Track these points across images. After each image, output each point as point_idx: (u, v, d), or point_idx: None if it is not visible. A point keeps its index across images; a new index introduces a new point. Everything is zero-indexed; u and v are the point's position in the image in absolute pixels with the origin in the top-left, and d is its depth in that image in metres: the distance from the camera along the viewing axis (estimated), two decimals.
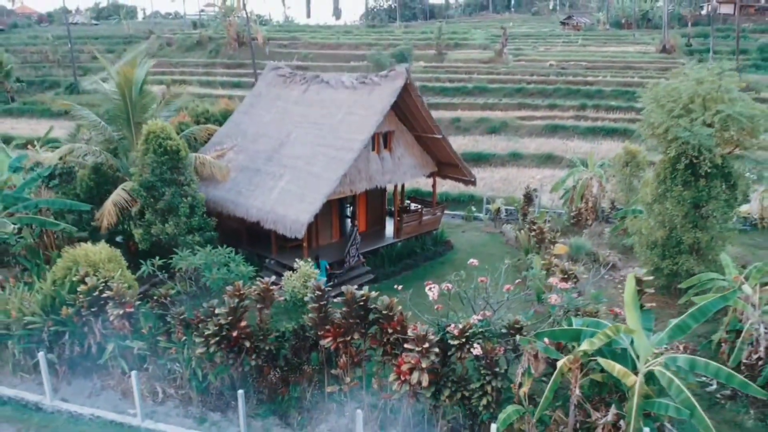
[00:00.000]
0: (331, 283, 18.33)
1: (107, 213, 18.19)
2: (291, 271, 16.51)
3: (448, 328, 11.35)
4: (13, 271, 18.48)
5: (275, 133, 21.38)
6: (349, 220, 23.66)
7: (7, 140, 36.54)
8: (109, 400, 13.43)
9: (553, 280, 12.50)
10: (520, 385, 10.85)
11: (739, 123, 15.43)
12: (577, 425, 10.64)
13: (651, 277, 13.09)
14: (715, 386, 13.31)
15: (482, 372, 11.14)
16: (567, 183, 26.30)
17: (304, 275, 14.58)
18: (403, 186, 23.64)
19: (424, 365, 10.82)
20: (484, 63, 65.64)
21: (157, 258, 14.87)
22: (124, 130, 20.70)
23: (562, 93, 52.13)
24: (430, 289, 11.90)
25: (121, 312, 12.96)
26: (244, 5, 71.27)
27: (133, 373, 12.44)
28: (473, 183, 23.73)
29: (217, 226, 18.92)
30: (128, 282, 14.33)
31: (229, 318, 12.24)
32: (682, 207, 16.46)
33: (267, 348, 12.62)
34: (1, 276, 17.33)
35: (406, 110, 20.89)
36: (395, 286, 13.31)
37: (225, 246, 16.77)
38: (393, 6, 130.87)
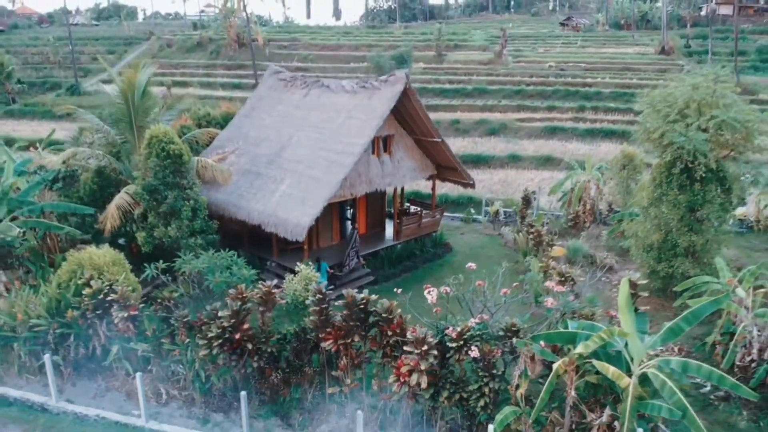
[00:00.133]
0: (333, 285, 18.59)
1: (110, 216, 18.38)
2: (292, 274, 16.78)
3: (447, 331, 11.59)
4: (16, 273, 18.71)
5: (276, 137, 21.61)
6: (349, 223, 23.89)
7: (9, 142, 36.83)
8: (113, 401, 13.66)
9: (549, 284, 12.73)
10: (517, 386, 11.08)
11: (734, 128, 15.67)
12: (573, 426, 10.87)
13: (645, 281, 13.33)
14: (708, 387, 13.54)
15: (480, 374, 11.39)
16: (565, 185, 26.55)
17: (305, 278, 14.81)
18: (402, 188, 23.87)
19: (423, 367, 11.06)
20: (484, 64, 65.92)
21: (161, 261, 15.08)
22: (127, 133, 20.91)
23: (561, 95, 52.42)
24: (428, 292, 12.15)
25: (125, 315, 13.20)
26: (245, 7, 71.61)
27: (138, 374, 12.67)
28: (472, 186, 23.96)
29: (219, 228, 19.13)
30: (132, 285, 14.56)
31: (232, 321, 12.48)
32: (677, 210, 16.70)
33: (269, 350, 12.86)
34: (5, 278, 17.59)
35: (405, 114, 21.13)
36: (394, 290, 13.54)
37: (227, 249, 17.00)
38: (393, 7, 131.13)
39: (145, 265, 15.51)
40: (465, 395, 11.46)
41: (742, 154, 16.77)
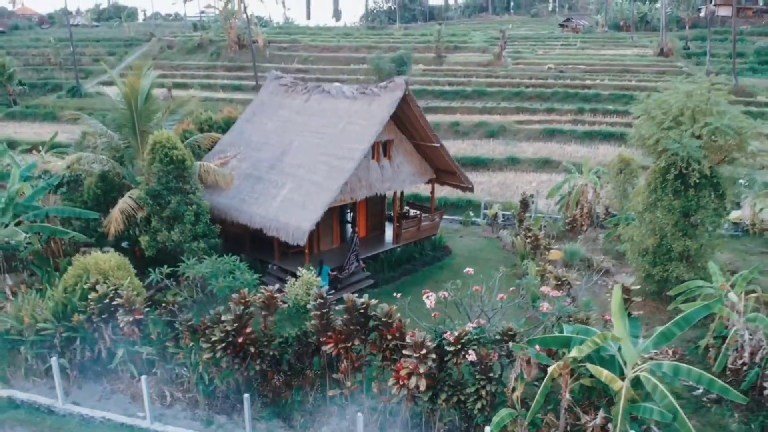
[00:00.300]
0: (334, 288, 18.89)
1: (114, 220, 18.67)
2: (293, 277, 17.06)
3: (445, 335, 11.89)
4: (20, 276, 19.02)
5: (278, 142, 21.90)
6: (349, 226, 24.17)
7: (11, 144, 37.09)
8: (118, 403, 13.94)
9: (545, 289, 13.03)
10: (513, 389, 11.40)
11: (727, 135, 15.96)
12: (568, 428, 11.17)
13: (638, 287, 13.62)
14: (701, 390, 13.81)
15: (477, 377, 11.70)
16: (563, 189, 26.82)
17: (306, 283, 15.09)
18: (402, 192, 24.14)
19: (421, 370, 11.35)
20: (483, 66, 66.17)
21: (165, 267, 15.35)
22: (130, 138, 21.21)
23: (560, 97, 52.65)
24: (427, 297, 12.45)
25: (131, 319, 13.48)
26: (245, 8, 71.83)
27: (143, 377, 12.94)
28: (470, 190, 24.24)
29: (221, 232, 19.42)
30: (137, 289, 14.84)
31: (235, 324, 12.76)
32: (672, 216, 16.99)
33: (271, 353, 13.15)
34: (11, 282, 17.89)
35: (405, 119, 21.41)
36: (394, 294, 13.83)
37: (229, 252, 17.29)
38: (392, 8, 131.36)
39: (150, 269, 15.78)
40: (462, 398, 11.75)
41: (735, 160, 17.05)
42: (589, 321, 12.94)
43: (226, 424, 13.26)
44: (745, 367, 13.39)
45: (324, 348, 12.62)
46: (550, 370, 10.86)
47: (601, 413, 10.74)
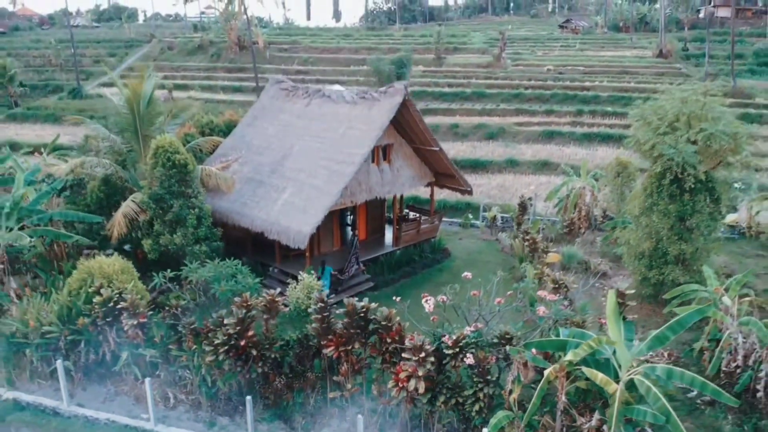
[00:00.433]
0: (336, 289, 19.14)
1: (117, 224, 18.90)
2: (294, 280, 17.30)
3: (443, 339, 12.13)
4: (24, 278, 19.27)
5: (278, 146, 22.13)
6: (349, 229, 24.39)
7: (13, 146, 37.33)
8: (122, 405, 14.18)
9: (541, 293, 13.26)
10: (510, 391, 11.64)
11: (722, 141, 16.19)
12: (564, 430, 11.41)
13: (633, 291, 13.85)
14: (695, 392, 14.05)
15: (475, 379, 11.96)
16: (561, 192, 27.04)
17: (307, 287, 15.32)
18: (401, 195, 24.34)
19: (420, 373, 11.61)
20: (483, 68, 66.39)
21: (168, 270, 15.58)
22: (133, 142, 21.43)
23: (559, 98, 52.85)
24: (426, 301, 12.70)
25: (135, 322, 13.71)
26: (245, 10, 71.99)
27: (147, 380, 13.18)
28: (469, 193, 24.48)
29: (223, 235, 19.64)
30: (140, 293, 15.08)
31: (237, 328, 13.01)
32: (667, 220, 17.22)
33: (273, 356, 13.39)
34: (15, 285, 18.12)
35: (404, 124, 21.63)
36: (393, 298, 14.07)
37: (231, 255, 17.50)
38: (392, 8, 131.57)
39: (153, 273, 16.00)
40: (461, 400, 12.01)
41: (730, 165, 17.28)
42: (585, 324, 13.17)
43: (228, 425, 13.49)
44: (738, 370, 13.64)
45: (325, 351, 12.86)
46: (546, 372, 11.10)
47: (596, 415, 10.98)
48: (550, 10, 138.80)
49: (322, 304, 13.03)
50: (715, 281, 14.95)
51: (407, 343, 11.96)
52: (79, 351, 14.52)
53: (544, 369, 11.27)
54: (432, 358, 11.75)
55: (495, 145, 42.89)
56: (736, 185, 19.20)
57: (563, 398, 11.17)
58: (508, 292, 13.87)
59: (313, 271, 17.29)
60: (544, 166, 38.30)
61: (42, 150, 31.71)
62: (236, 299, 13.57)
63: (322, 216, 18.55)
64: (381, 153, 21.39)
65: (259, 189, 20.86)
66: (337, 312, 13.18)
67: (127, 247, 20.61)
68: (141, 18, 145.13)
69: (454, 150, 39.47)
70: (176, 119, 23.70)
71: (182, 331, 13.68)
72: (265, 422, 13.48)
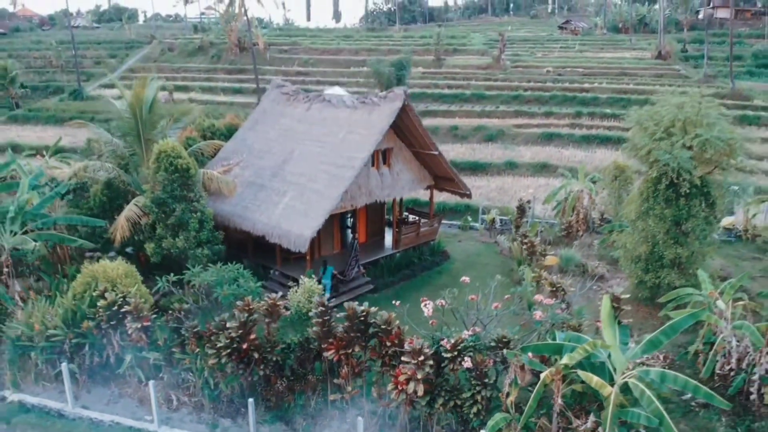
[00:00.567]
0: (337, 290, 19.36)
1: (120, 227, 19.12)
2: (295, 283, 17.51)
3: (442, 342, 12.36)
4: (27, 281, 19.46)
5: (279, 150, 22.34)
6: (349, 232, 24.61)
7: (15, 148, 37.50)
8: (126, 407, 14.40)
9: (539, 297, 13.49)
10: (508, 394, 11.86)
11: (717, 146, 16.41)
12: (560, 431, 11.65)
13: (628, 295, 14.08)
14: (689, 395, 14.27)
15: (473, 382, 12.21)
16: (559, 195, 27.26)
17: (308, 291, 15.54)
18: (401, 198, 24.57)
19: (419, 376, 11.84)
20: (482, 69, 66.64)
21: (171, 274, 15.80)
22: (135, 146, 21.66)
23: (559, 100, 53.09)
24: (425, 305, 12.93)
25: (138, 325, 13.94)
26: (245, 11, 72.13)
27: (151, 382, 13.42)
28: (468, 196, 24.70)
29: (224, 239, 19.86)
30: (144, 296, 15.30)
31: (240, 331, 13.23)
32: (663, 224, 17.44)
33: (274, 359, 13.61)
34: (19, 287, 18.33)
35: (404, 128, 21.85)
36: (393, 302, 14.29)
37: (232, 258, 17.71)
38: (392, 9, 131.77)
39: (157, 277, 16.20)
40: (459, 402, 12.25)
41: (725, 170, 17.50)
42: (581, 328, 13.39)
43: (230, 427, 13.72)
44: (732, 373, 13.86)
45: (325, 354, 13.09)
46: (542, 376, 11.34)
47: (592, 418, 11.20)
48: (549, 11, 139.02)
49: (323, 308, 13.26)
50: (709, 285, 15.15)
51: (406, 346, 12.19)
52: (84, 354, 14.74)
53: (541, 372, 11.51)
54: (431, 362, 11.99)
55: (494, 147, 43.12)
56: (734, 187, 19.38)
57: (559, 401, 11.40)
58: (506, 296, 14.08)
59: (314, 275, 17.49)
60: (542, 168, 38.52)
61: (44, 153, 31.95)
62: (238, 303, 13.79)
63: (323, 220, 18.78)
64: (381, 157, 21.61)
65: (260, 193, 21.08)
66: (338, 316, 13.40)
67: (129, 250, 20.83)
68: (141, 18, 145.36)
69: (453, 152, 39.70)
70: (178, 123, 23.87)
71: (185, 335, 13.91)
72: (267, 424, 13.70)
